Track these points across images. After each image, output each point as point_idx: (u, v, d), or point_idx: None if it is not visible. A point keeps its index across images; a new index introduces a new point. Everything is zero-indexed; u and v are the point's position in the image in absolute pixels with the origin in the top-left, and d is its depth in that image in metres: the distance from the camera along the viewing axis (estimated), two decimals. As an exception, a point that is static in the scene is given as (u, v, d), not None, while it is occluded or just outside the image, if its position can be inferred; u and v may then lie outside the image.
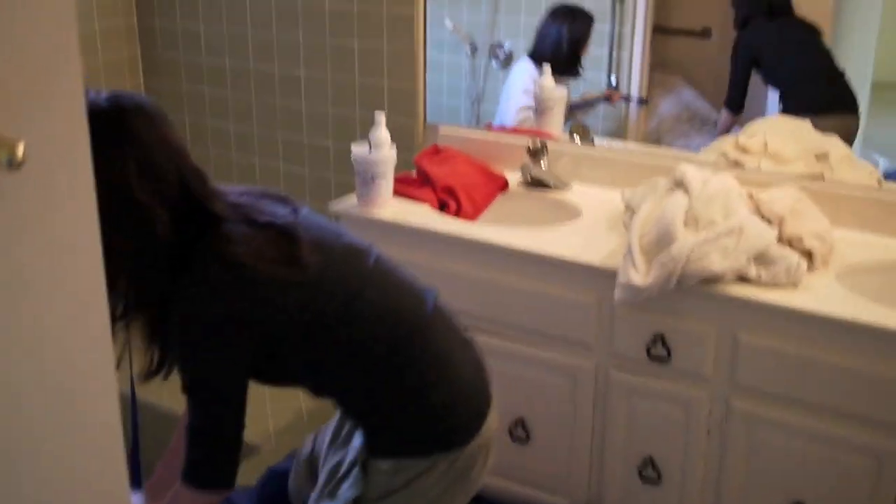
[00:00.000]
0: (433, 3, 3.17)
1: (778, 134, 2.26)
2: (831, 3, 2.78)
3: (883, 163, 6.12)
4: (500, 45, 4.16)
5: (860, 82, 4.49)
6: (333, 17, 2.77)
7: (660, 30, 3.38)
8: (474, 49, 4.23)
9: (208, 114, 3.16)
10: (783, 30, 2.52)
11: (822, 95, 2.52)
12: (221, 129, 3.15)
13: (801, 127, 2.29)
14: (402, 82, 2.71)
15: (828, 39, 2.57)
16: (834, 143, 2.22)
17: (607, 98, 3.76)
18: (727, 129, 2.51)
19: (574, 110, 3.52)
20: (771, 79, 2.49)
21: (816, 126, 2.29)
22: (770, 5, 2.52)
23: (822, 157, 2.19)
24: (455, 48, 4.31)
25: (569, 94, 3.20)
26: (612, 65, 3.79)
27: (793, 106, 2.42)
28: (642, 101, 3.71)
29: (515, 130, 2.66)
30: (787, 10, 2.46)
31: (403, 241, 2.12)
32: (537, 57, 3.24)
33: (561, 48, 3.42)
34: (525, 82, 3.17)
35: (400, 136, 2.45)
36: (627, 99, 3.85)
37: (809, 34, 2.44)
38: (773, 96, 2.59)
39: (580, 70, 3.48)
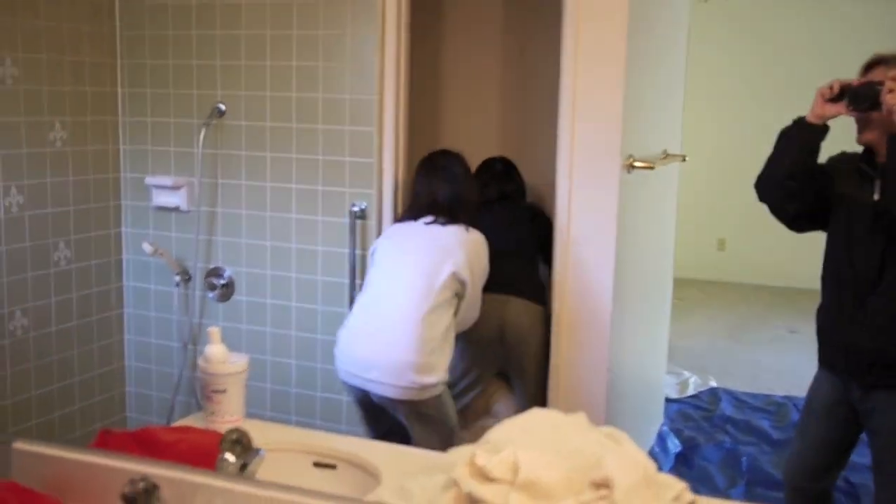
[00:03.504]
0: (131, 223, 2.82)
1: (532, 445, 1.40)
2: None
3: (693, 381, 5.38)
4: (219, 274, 3.26)
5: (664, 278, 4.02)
6: None
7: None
8: (187, 277, 3.31)
9: None
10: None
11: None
12: None
13: (563, 427, 1.46)
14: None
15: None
16: (617, 458, 1.38)
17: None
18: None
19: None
20: None
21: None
22: None
23: (602, 484, 1.34)
24: (162, 276, 3.37)
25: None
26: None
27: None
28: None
29: (145, 438, 1.65)
30: None
31: None
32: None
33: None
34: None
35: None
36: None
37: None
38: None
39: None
